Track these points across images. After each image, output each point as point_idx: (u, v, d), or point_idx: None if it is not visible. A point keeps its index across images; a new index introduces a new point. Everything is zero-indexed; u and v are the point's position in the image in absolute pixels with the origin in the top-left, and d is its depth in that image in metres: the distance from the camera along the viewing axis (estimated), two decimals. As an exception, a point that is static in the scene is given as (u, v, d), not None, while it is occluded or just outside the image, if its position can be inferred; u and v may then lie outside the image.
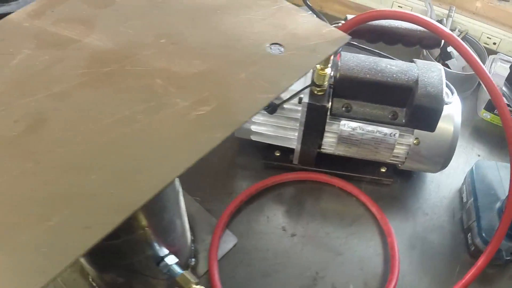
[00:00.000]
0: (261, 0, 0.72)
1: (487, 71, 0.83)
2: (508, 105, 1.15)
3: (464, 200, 1.11)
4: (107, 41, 0.65)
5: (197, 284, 0.83)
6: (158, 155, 0.53)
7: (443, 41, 0.97)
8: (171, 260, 0.84)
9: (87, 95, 0.59)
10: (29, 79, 0.60)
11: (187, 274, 0.83)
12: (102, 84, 0.60)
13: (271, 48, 0.62)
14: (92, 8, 0.70)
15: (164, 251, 0.83)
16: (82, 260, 0.85)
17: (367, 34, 1.00)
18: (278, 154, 1.15)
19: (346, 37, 0.64)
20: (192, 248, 0.98)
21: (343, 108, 1.01)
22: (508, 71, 1.14)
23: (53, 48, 0.64)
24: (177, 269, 0.84)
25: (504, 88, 0.97)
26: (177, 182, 0.79)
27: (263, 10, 0.70)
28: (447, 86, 1.05)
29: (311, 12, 1.14)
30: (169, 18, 0.69)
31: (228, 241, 1.02)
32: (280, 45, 0.63)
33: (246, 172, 1.16)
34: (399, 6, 1.54)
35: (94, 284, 0.97)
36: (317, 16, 1.09)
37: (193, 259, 0.98)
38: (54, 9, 0.70)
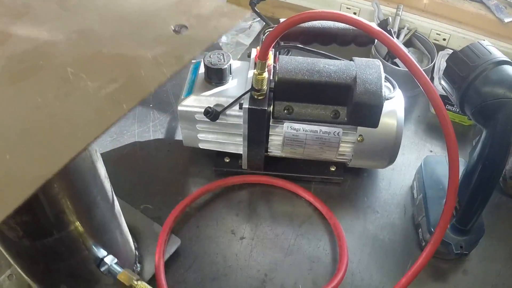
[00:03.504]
0: None
1: (417, 65, 0.83)
2: (447, 98, 1.17)
3: (415, 196, 1.12)
4: (23, 45, 0.67)
5: (138, 280, 0.85)
6: (70, 131, 0.54)
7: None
8: (110, 260, 0.85)
9: (2, 91, 0.60)
10: None
11: (128, 272, 0.85)
12: (17, 80, 0.62)
13: (176, 30, 0.65)
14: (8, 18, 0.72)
15: (102, 252, 0.84)
16: (23, 275, 0.86)
17: (300, 36, 1.01)
18: (227, 160, 1.15)
19: (245, 11, 0.67)
20: (137, 254, 0.99)
21: (285, 111, 1.01)
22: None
23: None
24: (118, 268, 0.85)
25: (442, 82, 0.98)
26: (103, 171, 0.81)
27: None
28: (388, 81, 1.06)
29: (259, 18, 1.15)
30: (81, 18, 0.71)
31: (173, 244, 1.02)
32: (185, 26, 0.66)
33: (197, 179, 1.16)
34: (347, 8, 1.55)
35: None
36: (264, 21, 1.10)
37: (138, 264, 0.99)
38: None
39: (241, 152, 1.10)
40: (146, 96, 0.57)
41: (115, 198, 0.87)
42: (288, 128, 1.03)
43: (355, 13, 1.54)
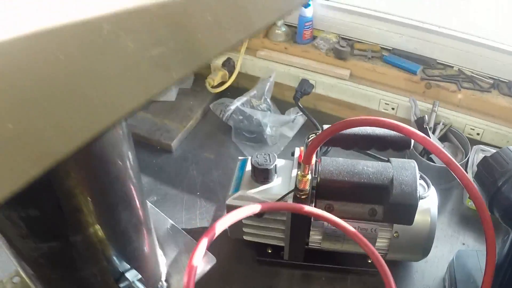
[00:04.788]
0: None
1: (457, 164, 0.89)
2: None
3: (447, 288, 1.16)
4: None
5: None
6: (100, 97, 0.46)
7: (412, 142, 1.05)
8: (133, 275, 0.79)
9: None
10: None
11: None
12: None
13: None
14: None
15: (124, 265, 0.79)
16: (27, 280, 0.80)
17: (341, 142, 1.08)
18: (270, 251, 1.22)
19: None
20: (164, 271, 0.96)
21: (326, 208, 1.07)
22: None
23: None
24: (140, 286, 0.80)
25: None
26: (136, 164, 0.74)
27: None
28: (423, 179, 1.12)
29: (301, 113, 1.22)
30: None
31: (207, 262, 1.04)
32: None
33: (240, 267, 1.22)
34: (386, 103, 1.62)
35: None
36: (307, 117, 1.18)
37: (165, 283, 0.97)
38: None
39: (283, 245, 1.17)
40: (203, 64, 0.51)
41: (146, 202, 0.81)
42: (328, 224, 1.09)
43: (393, 109, 1.61)
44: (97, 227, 0.69)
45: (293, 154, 1.19)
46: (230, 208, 1.11)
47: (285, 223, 1.11)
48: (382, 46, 1.69)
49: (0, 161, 0.34)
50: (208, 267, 1.04)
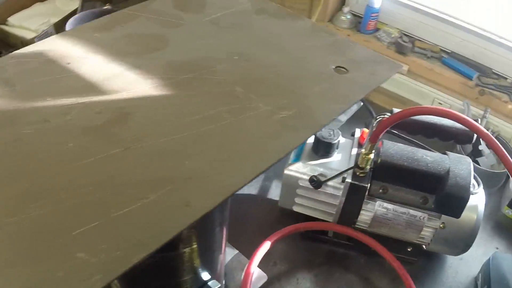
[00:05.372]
0: (318, 32, 0.83)
1: None
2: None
3: (479, 287, 1.19)
4: (182, 55, 0.74)
5: None
6: (247, 148, 0.60)
7: (474, 138, 1.08)
8: (214, 284, 0.88)
9: (168, 96, 0.67)
10: (106, 80, 0.69)
11: None
12: (182, 88, 0.68)
13: (336, 69, 0.72)
14: (163, 27, 0.80)
15: (206, 275, 0.87)
16: None
17: (409, 127, 1.12)
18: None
19: (399, 66, 0.74)
20: (223, 283, 1.02)
21: (380, 190, 1.11)
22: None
23: (128, 56, 0.74)
24: None
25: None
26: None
27: (322, 40, 0.81)
28: (474, 178, 1.16)
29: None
30: (237, 40, 0.78)
31: (259, 279, 1.09)
32: (344, 68, 0.72)
33: (282, 239, 1.22)
34: (439, 103, 1.66)
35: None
36: (364, 104, 1.22)
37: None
38: (123, 25, 0.80)
39: (330, 221, 1.20)
40: (319, 129, 0.64)
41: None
42: (380, 206, 1.13)
43: (445, 109, 1.65)
44: (202, 241, 0.78)
45: (353, 135, 1.23)
46: (288, 177, 1.16)
47: (338, 199, 1.15)
48: (441, 48, 1.72)
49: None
50: (260, 283, 1.10)
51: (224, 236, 0.90)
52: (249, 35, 0.81)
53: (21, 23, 1.90)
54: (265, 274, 1.12)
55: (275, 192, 1.37)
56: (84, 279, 0.45)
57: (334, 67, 0.73)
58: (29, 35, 1.86)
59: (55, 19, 1.91)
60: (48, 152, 0.58)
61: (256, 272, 1.10)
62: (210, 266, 0.89)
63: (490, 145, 0.93)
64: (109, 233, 0.50)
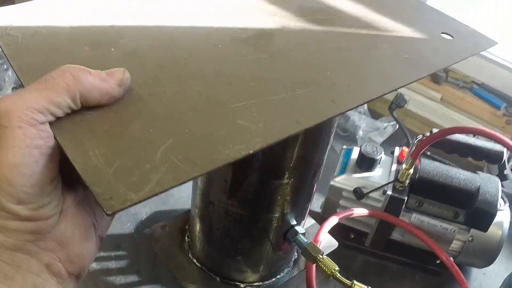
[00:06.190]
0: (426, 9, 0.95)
1: None
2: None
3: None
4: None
5: (322, 254, 0.95)
6: (378, 73, 0.69)
7: (505, 157, 1.22)
8: (300, 229, 0.97)
9: (305, 29, 0.78)
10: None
11: (314, 245, 0.96)
12: (322, 25, 0.79)
13: (443, 34, 0.83)
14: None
15: (293, 220, 0.97)
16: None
17: (445, 146, 1.24)
18: (352, 237, 1.35)
19: (495, 42, 0.85)
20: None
21: (416, 204, 1.23)
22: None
23: None
24: (304, 239, 0.97)
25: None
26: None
27: (431, 14, 0.93)
28: (501, 197, 1.27)
29: (394, 122, 1.38)
30: None
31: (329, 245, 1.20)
32: (450, 35, 0.83)
33: None
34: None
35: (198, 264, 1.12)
36: (400, 127, 1.34)
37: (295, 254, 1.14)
38: None
39: (367, 231, 1.31)
40: (436, 69, 0.73)
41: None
42: (416, 218, 1.24)
43: (474, 136, 1.75)
44: (294, 180, 0.88)
45: (392, 153, 1.35)
46: (333, 188, 1.27)
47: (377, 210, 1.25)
48: (473, 79, 1.85)
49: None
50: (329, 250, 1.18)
51: (315, 186, 1.00)
52: None
53: None
54: (336, 241, 1.22)
55: (314, 204, 1.46)
56: (245, 140, 0.52)
57: (441, 33, 0.83)
58: None
59: None
60: (203, 50, 0.68)
61: (326, 238, 1.18)
62: (298, 211, 0.98)
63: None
64: (267, 109, 0.58)
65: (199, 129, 0.53)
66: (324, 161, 0.95)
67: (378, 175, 1.28)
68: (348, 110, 0.62)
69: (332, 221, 1.17)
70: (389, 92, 0.65)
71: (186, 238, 1.16)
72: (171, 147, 0.50)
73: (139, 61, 0.63)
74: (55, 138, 0.49)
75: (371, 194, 1.24)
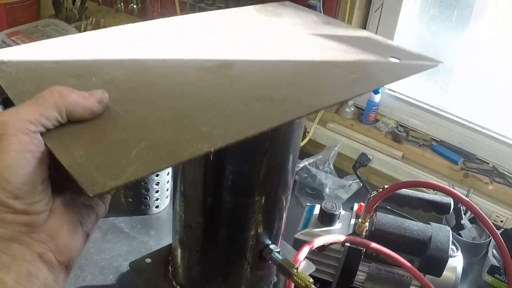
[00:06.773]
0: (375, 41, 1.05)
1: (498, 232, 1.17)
2: (497, 269, 1.48)
3: None
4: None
5: (297, 269, 0.99)
6: (328, 89, 0.79)
7: (451, 208, 1.33)
8: (274, 247, 1.02)
9: (266, 59, 0.88)
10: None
11: (289, 260, 1.00)
12: (280, 54, 0.90)
13: (391, 58, 0.91)
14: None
15: (268, 240, 1.02)
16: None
17: (397, 201, 1.37)
18: (318, 286, 1.44)
19: (439, 62, 0.94)
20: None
21: (374, 254, 1.33)
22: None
23: None
24: (279, 256, 1.01)
25: (494, 253, 1.29)
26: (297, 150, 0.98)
27: (379, 44, 1.02)
28: (453, 244, 1.37)
29: (357, 180, 1.50)
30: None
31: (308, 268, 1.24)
32: (397, 58, 0.91)
33: None
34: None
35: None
36: (363, 183, 1.46)
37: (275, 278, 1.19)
38: None
39: (331, 280, 1.41)
40: (380, 86, 0.87)
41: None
42: (374, 267, 1.34)
43: (433, 190, 1.87)
44: (273, 192, 0.96)
45: (352, 208, 1.46)
46: (297, 241, 1.38)
47: (338, 261, 1.36)
48: (432, 137, 2.00)
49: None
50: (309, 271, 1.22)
51: (286, 206, 1.05)
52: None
53: None
54: (313, 264, 1.26)
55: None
56: (208, 141, 0.61)
57: (390, 57, 0.92)
58: None
59: None
60: (171, 77, 0.79)
61: (304, 262, 1.23)
62: (272, 229, 1.04)
63: (467, 207, 1.17)
64: (226, 120, 0.67)
65: (167, 134, 0.62)
66: (292, 183, 1.03)
67: (338, 228, 1.40)
68: (299, 117, 0.72)
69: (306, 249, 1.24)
70: (338, 102, 0.74)
71: (170, 267, 1.19)
72: (144, 148, 0.58)
73: (116, 86, 0.72)
74: (45, 144, 0.57)
75: (332, 246, 1.35)
